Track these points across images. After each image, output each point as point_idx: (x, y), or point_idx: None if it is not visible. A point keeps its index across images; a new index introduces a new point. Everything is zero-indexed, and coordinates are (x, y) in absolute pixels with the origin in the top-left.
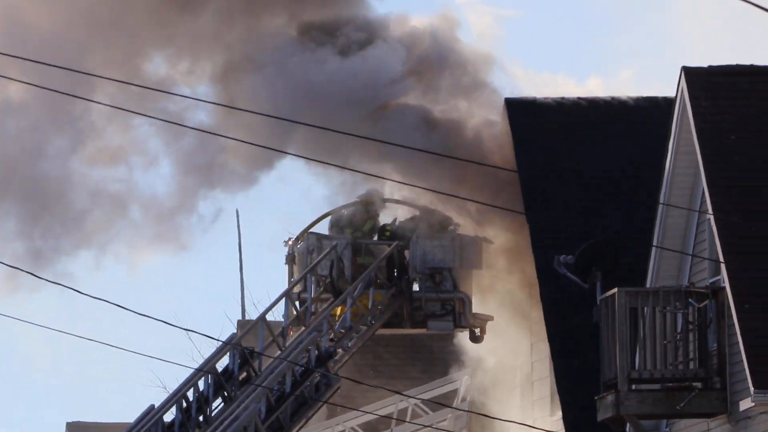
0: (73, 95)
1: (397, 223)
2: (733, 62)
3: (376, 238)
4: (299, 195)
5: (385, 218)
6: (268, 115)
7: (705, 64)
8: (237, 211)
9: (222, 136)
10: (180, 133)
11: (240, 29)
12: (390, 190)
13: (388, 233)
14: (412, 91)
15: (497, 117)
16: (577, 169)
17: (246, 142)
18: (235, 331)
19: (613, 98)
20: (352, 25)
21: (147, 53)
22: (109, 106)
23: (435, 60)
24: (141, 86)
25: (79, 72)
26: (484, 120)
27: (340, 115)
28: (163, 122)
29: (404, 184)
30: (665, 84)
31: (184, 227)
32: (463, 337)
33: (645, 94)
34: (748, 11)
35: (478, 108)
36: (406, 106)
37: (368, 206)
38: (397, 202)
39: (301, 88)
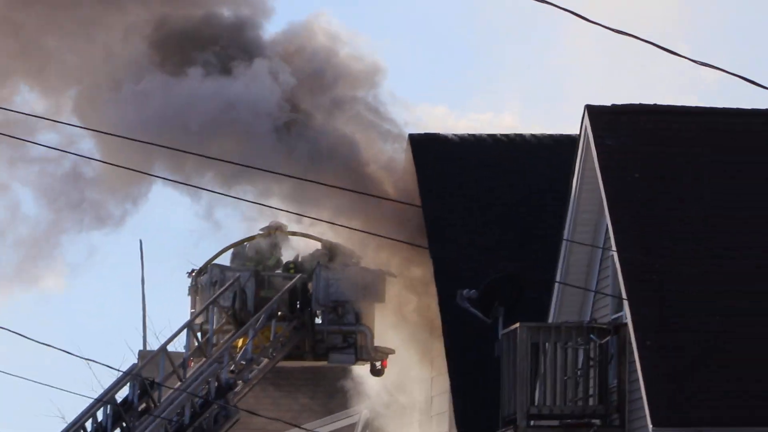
0: None
1: (300, 258)
2: (636, 101)
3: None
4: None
5: (287, 253)
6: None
7: (608, 103)
8: (141, 242)
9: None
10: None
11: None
12: (290, 222)
13: (292, 270)
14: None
15: (399, 150)
16: (481, 204)
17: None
18: (136, 361)
19: (516, 135)
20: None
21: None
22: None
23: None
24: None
25: None
26: (387, 155)
27: (246, 143)
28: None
29: (306, 217)
30: (568, 122)
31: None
32: (364, 371)
33: (549, 132)
34: (651, 51)
35: (378, 141)
36: (305, 133)
37: (272, 238)
38: (301, 235)
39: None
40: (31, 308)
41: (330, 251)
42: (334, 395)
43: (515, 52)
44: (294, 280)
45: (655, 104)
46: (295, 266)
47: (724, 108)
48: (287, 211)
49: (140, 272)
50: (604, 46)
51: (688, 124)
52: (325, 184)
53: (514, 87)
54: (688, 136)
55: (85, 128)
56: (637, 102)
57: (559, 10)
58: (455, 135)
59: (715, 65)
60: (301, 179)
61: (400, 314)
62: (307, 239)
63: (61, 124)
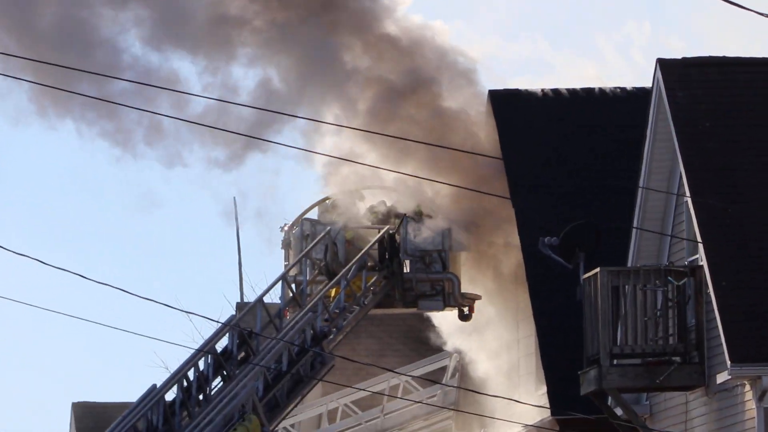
0: None
1: (385, 205)
2: (706, 54)
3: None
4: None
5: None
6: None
7: (679, 56)
8: (234, 199)
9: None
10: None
11: None
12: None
13: (375, 215)
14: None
15: (481, 106)
16: (560, 156)
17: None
18: (234, 312)
19: (591, 89)
20: None
21: None
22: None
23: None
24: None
25: None
26: (469, 109)
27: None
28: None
29: (394, 171)
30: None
31: None
32: (452, 316)
33: (622, 85)
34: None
35: (461, 96)
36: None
37: (354, 195)
38: (385, 188)
39: None
40: (133, 264)
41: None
42: (424, 340)
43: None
44: (382, 232)
45: (723, 56)
46: (379, 214)
47: None
48: (375, 167)
49: (235, 228)
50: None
51: (756, 75)
52: (412, 140)
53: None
54: (756, 85)
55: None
56: (707, 54)
57: None
58: (533, 90)
59: None
60: (387, 135)
61: (486, 262)
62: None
63: None
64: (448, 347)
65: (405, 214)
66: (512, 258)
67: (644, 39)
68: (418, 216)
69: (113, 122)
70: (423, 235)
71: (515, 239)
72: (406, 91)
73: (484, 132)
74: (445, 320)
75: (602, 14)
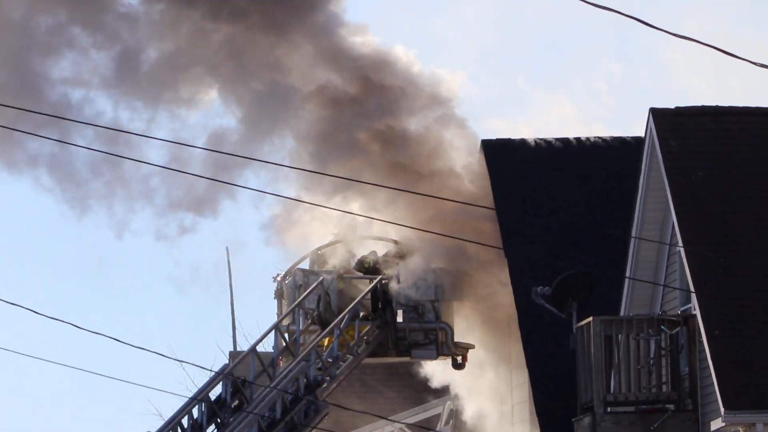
0: None
1: (376, 256)
2: (698, 104)
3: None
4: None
5: (363, 251)
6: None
7: (671, 106)
8: (227, 249)
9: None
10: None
11: None
12: (363, 227)
13: (367, 265)
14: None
15: (471, 155)
16: (552, 205)
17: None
18: (227, 361)
19: (585, 138)
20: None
21: None
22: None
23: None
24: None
25: None
26: (461, 160)
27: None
28: None
29: (385, 222)
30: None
31: None
32: (445, 365)
33: (613, 134)
34: (711, 54)
35: (453, 147)
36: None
37: (346, 243)
38: (375, 238)
39: None
40: (125, 314)
41: (402, 251)
42: (418, 389)
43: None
44: (375, 282)
45: (716, 105)
46: (370, 264)
47: None
48: (368, 217)
49: (228, 278)
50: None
51: (748, 124)
52: (403, 190)
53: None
54: (749, 135)
55: None
56: (700, 104)
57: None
58: (525, 139)
59: None
60: (378, 185)
61: (478, 311)
62: (379, 240)
63: None
64: (442, 395)
65: (398, 264)
66: (505, 307)
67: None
68: (403, 258)
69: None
70: (416, 285)
71: (508, 288)
72: (397, 141)
73: (475, 182)
74: (438, 368)
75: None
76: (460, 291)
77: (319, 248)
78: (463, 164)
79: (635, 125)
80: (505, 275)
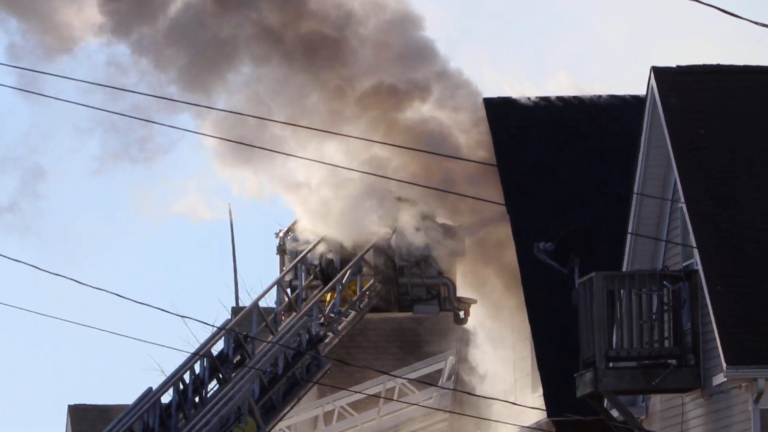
0: None
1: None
2: (700, 62)
3: None
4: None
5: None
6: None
7: (673, 64)
8: (229, 205)
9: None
10: None
11: None
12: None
13: None
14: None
15: (475, 113)
16: (554, 163)
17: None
18: (229, 317)
19: (586, 96)
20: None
21: None
22: None
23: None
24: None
25: None
26: (464, 117)
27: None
28: None
29: (387, 178)
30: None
31: None
32: (447, 320)
33: (615, 93)
34: (710, 13)
35: (456, 106)
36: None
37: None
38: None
39: None
40: (129, 269)
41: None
42: (420, 345)
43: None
44: (378, 237)
45: (718, 64)
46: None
47: None
48: (369, 173)
49: (230, 234)
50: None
51: (750, 82)
52: (408, 147)
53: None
54: (750, 93)
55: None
56: (701, 63)
57: None
58: (528, 98)
59: None
60: (385, 143)
61: (480, 266)
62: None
63: None
64: (444, 350)
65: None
66: (507, 263)
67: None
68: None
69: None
70: (418, 239)
71: (510, 245)
72: (402, 96)
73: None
74: (440, 324)
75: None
76: (463, 247)
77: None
78: (465, 121)
79: (637, 85)
80: (507, 231)
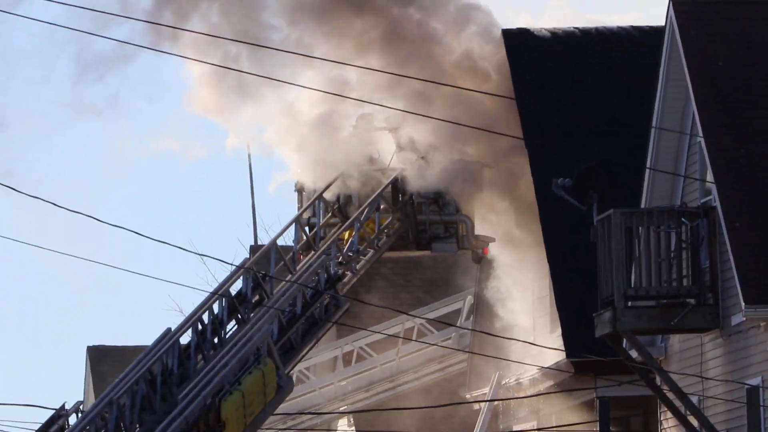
0: None
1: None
2: None
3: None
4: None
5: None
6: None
7: None
8: (248, 145)
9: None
10: None
11: None
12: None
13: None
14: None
15: (493, 45)
16: (573, 96)
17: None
18: (247, 255)
19: (604, 27)
20: None
21: None
22: None
23: None
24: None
25: None
26: (480, 48)
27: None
28: None
29: (405, 111)
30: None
31: None
32: (466, 258)
33: (634, 23)
34: None
35: (474, 36)
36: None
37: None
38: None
39: None
40: (147, 207)
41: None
42: (438, 283)
43: None
44: (395, 173)
45: None
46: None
47: None
48: (393, 108)
49: (248, 172)
50: None
51: None
52: (424, 80)
53: None
54: None
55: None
56: None
57: None
58: (545, 29)
59: None
60: (401, 75)
61: (499, 203)
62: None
63: None
64: (463, 289)
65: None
66: (525, 199)
67: None
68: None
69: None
70: (436, 176)
71: (528, 180)
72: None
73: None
74: (459, 262)
75: None
76: (481, 183)
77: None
78: (483, 54)
79: (656, 15)
80: (525, 166)
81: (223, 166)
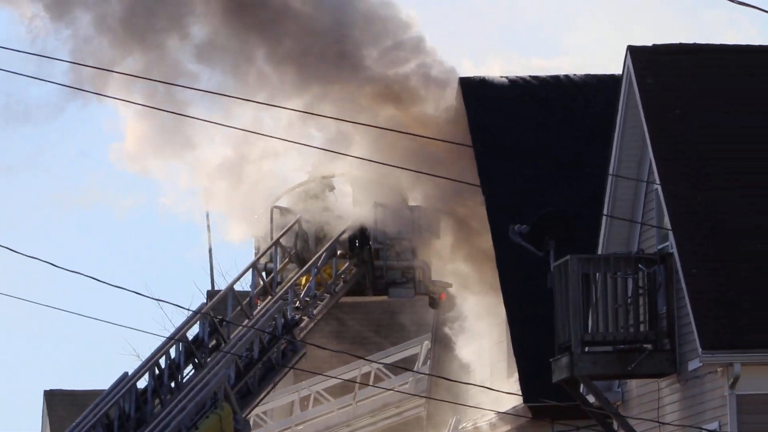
0: None
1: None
2: (676, 41)
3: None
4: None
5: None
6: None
7: (648, 43)
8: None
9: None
10: None
11: None
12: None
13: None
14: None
15: (450, 95)
16: (529, 143)
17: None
18: (204, 301)
19: (562, 76)
20: None
21: None
22: None
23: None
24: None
25: None
26: (438, 98)
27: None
28: None
29: (362, 159)
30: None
31: None
32: (422, 304)
33: (590, 72)
34: None
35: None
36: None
37: (324, 182)
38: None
39: None
40: (105, 252)
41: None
42: (395, 329)
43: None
44: (352, 221)
45: (694, 43)
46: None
47: (762, 46)
48: (347, 155)
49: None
50: None
51: (726, 62)
52: (380, 127)
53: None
54: (726, 72)
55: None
56: (677, 42)
57: None
58: (503, 77)
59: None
60: (357, 123)
61: (455, 249)
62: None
63: None
64: (419, 334)
65: (375, 203)
66: (482, 245)
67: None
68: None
69: None
70: (392, 222)
71: (484, 226)
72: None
73: (452, 120)
74: (416, 308)
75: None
76: (438, 229)
77: (296, 186)
78: (439, 102)
79: (613, 64)
80: (481, 213)
81: (179, 212)
